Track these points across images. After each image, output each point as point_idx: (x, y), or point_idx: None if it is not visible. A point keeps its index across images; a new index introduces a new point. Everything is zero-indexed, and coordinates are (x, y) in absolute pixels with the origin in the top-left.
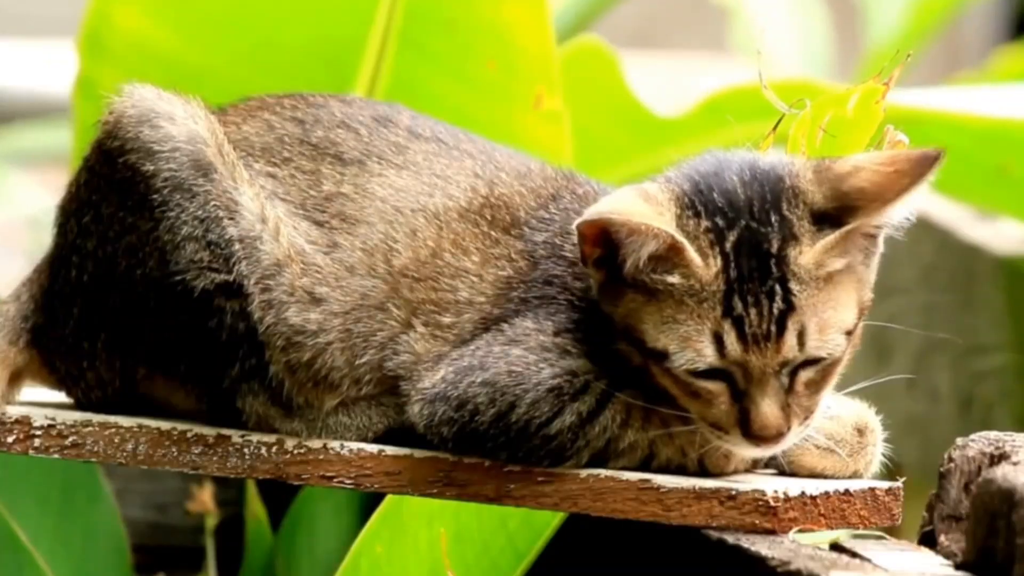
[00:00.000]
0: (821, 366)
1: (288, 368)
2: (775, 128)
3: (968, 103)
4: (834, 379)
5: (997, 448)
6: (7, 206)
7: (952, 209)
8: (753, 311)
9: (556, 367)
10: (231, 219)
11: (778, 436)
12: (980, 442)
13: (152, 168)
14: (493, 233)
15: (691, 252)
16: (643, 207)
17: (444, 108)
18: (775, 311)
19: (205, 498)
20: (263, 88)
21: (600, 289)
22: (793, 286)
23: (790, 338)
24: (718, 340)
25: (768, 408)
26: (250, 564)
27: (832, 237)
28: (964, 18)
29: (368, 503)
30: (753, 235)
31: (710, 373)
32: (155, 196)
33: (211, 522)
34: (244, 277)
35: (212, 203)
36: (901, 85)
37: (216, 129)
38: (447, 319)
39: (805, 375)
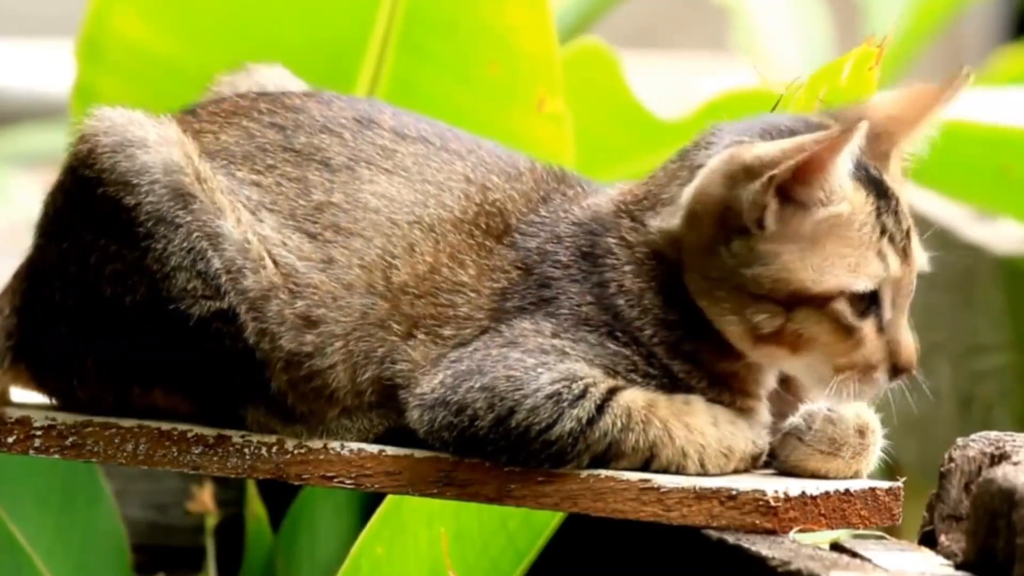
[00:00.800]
0: (908, 304)
1: (290, 384)
2: (774, 109)
3: (969, 106)
4: None
5: (997, 448)
6: (8, 207)
7: (952, 209)
8: (895, 227)
9: (554, 371)
10: (215, 250)
11: (915, 365)
12: (980, 442)
13: (133, 201)
14: (487, 243)
15: (848, 177)
16: None
17: (445, 110)
18: (905, 225)
19: (205, 498)
20: None
21: (747, 256)
22: (903, 206)
23: (918, 251)
24: (882, 257)
25: (910, 335)
26: (250, 564)
27: (894, 160)
28: (964, 18)
29: (369, 503)
30: (860, 162)
31: (868, 305)
32: (139, 229)
33: (211, 522)
34: (236, 305)
35: (195, 234)
36: (902, 86)
37: (191, 151)
38: (447, 331)
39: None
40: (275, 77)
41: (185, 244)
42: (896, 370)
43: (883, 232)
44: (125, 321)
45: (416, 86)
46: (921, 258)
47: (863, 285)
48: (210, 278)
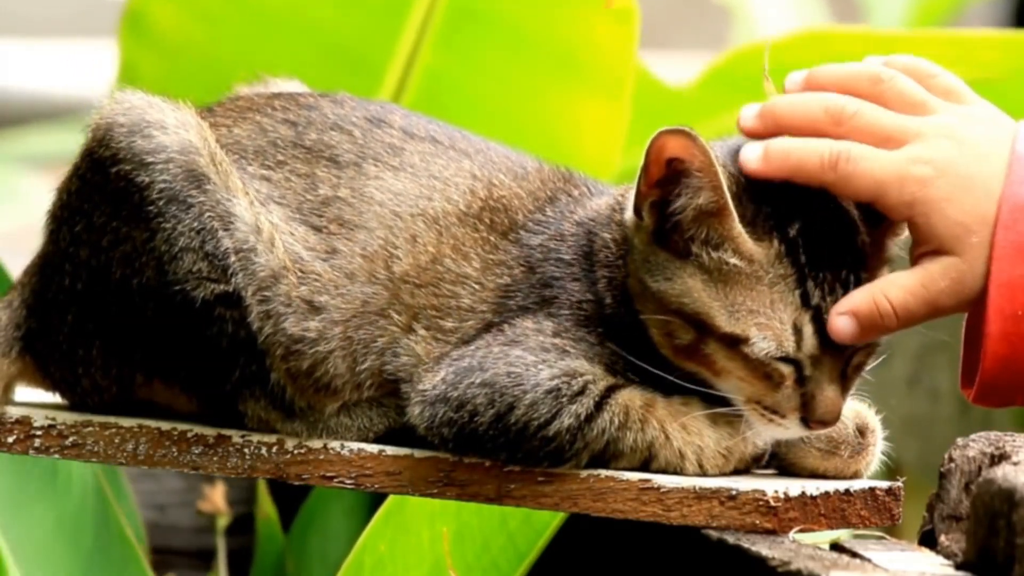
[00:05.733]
0: (870, 348)
1: (289, 375)
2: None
3: None
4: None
5: (997, 448)
6: (18, 208)
7: None
8: (830, 300)
9: (555, 368)
10: (226, 230)
11: (835, 420)
12: (980, 442)
13: (147, 179)
14: (492, 238)
15: (737, 224)
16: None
17: (500, 15)
18: None
19: (217, 498)
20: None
21: (646, 252)
22: (864, 275)
23: None
24: (796, 331)
25: (832, 393)
26: (260, 564)
27: (887, 222)
28: (964, 17)
29: (379, 504)
30: (820, 219)
31: (784, 358)
32: (150, 208)
33: (222, 522)
34: (242, 288)
35: (207, 214)
36: None
37: (208, 136)
38: (449, 324)
39: (856, 359)
40: (292, 90)
41: (196, 224)
42: (807, 421)
43: (805, 303)
44: (131, 305)
45: None
46: None
47: (766, 347)
48: (218, 259)
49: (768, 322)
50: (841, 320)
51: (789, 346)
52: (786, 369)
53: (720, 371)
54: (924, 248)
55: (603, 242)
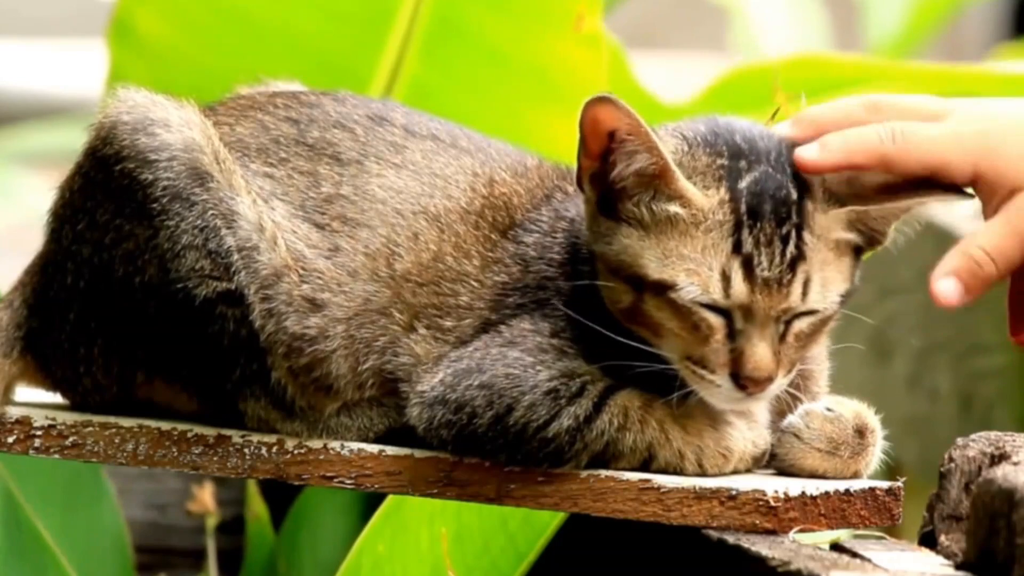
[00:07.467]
0: (815, 319)
1: (291, 374)
2: (774, 115)
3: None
4: (819, 341)
5: (997, 448)
6: (16, 207)
7: (952, 208)
8: (764, 251)
9: (553, 369)
10: (229, 228)
11: (767, 381)
12: (980, 442)
13: (150, 177)
14: (492, 236)
15: (681, 179)
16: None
17: (480, 33)
18: (788, 255)
19: (205, 498)
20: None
21: (592, 223)
22: (806, 236)
23: (797, 286)
24: (724, 277)
25: (763, 350)
26: (251, 564)
27: (847, 209)
28: (964, 16)
29: (370, 503)
30: (772, 179)
31: (713, 307)
32: (154, 205)
33: (211, 522)
34: (245, 286)
35: (210, 212)
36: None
37: (211, 134)
38: (448, 323)
39: (798, 326)
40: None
41: (199, 222)
42: (738, 378)
43: (736, 250)
44: (133, 303)
45: (449, 6)
46: (813, 295)
47: (693, 291)
48: (220, 257)
49: (697, 268)
50: (943, 283)
51: (716, 291)
52: (715, 320)
53: (658, 328)
54: (998, 199)
55: (584, 237)
